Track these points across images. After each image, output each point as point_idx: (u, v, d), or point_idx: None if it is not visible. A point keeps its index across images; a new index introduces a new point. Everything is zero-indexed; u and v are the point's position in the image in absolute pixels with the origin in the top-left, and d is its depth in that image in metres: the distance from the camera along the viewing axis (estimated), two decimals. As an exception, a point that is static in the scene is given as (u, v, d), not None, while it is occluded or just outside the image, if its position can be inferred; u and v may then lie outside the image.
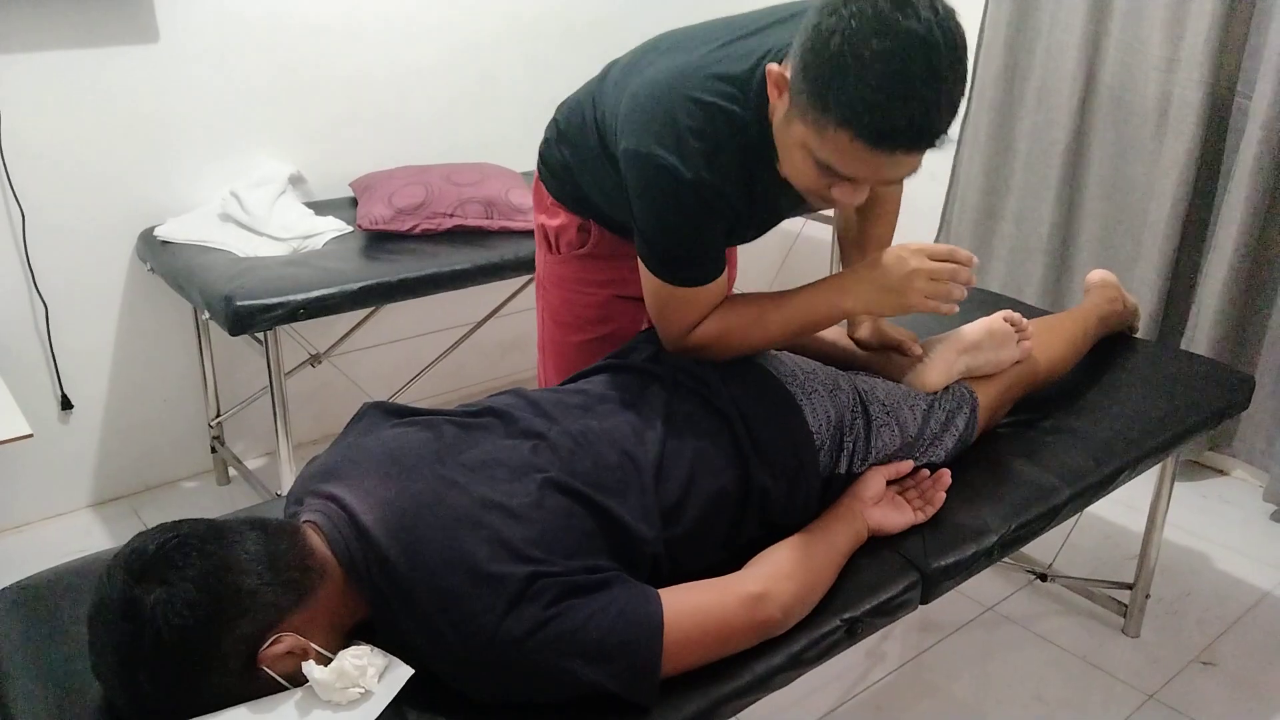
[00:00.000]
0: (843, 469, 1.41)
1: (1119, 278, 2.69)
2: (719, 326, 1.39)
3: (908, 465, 1.46)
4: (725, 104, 1.27)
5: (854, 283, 1.37)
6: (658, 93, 1.30)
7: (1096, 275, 2.02)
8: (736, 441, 1.31)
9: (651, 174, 1.28)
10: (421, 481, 1.13)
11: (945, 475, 1.46)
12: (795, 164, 1.22)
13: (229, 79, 2.44)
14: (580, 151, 1.51)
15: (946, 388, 1.56)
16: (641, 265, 1.38)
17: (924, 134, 1.12)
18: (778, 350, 1.52)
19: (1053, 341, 1.75)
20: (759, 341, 1.41)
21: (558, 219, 1.61)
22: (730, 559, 1.28)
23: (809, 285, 1.41)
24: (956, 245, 2.98)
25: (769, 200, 1.39)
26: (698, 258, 1.34)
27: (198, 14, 2.35)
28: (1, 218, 2.23)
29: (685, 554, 1.25)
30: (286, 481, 2.22)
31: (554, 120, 1.59)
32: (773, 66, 1.21)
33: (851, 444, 1.41)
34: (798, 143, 1.18)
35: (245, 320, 1.99)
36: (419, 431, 1.23)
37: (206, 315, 2.12)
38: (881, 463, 1.44)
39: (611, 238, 1.59)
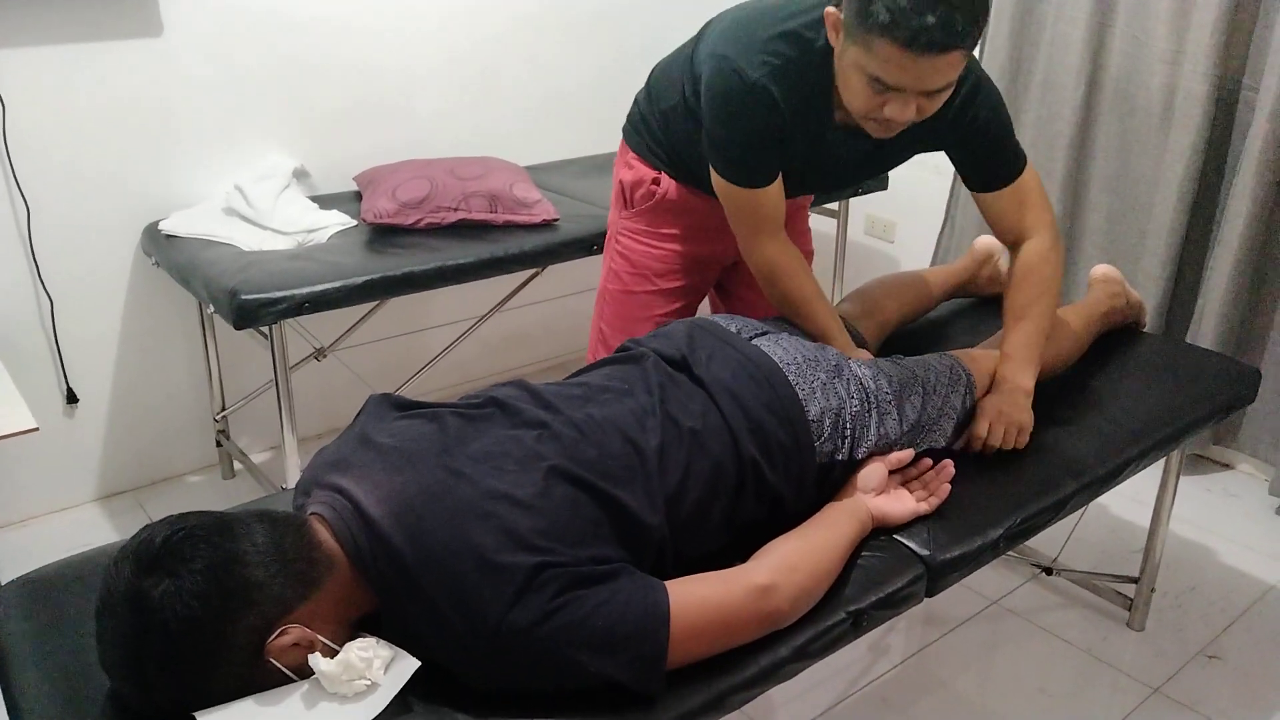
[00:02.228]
0: (843, 455, 1.41)
1: (1124, 271, 2.69)
2: (783, 256, 1.65)
3: (908, 454, 1.46)
4: (804, 32, 1.51)
5: None
6: (751, 14, 1.56)
7: (1100, 270, 2.02)
8: (725, 418, 1.32)
9: (721, 75, 1.53)
10: (428, 472, 1.13)
11: (948, 466, 1.47)
12: (852, 87, 1.43)
13: (233, 73, 2.44)
14: (664, 103, 1.75)
15: (944, 369, 1.57)
16: (713, 172, 1.63)
17: (950, 33, 1.30)
18: (790, 332, 1.58)
19: (1056, 336, 1.75)
20: (797, 297, 1.66)
21: (634, 172, 1.84)
22: (735, 543, 1.28)
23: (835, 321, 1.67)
24: (961, 240, 2.99)
25: (825, 140, 1.60)
26: (750, 161, 1.58)
27: (201, 7, 2.35)
28: (6, 212, 2.23)
29: (690, 538, 1.26)
30: (292, 475, 2.22)
31: (647, 81, 1.85)
32: (830, 9, 1.43)
33: (852, 430, 1.42)
34: (851, 65, 1.40)
35: (250, 314, 1.99)
36: (424, 423, 1.23)
37: (211, 309, 2.12)
38: (883, 450, 1.45)
39: (680, 190, 1.81)
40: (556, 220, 2.44)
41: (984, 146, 1.63)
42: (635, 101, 1.89)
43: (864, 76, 1.38)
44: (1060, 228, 2.78)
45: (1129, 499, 2.43)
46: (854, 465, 1.43)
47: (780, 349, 1.46)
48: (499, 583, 1.05)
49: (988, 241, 2.08)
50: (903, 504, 1.40)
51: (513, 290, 2.62)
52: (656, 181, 1.82)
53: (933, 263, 3.15)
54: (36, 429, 1.79)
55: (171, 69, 2.35)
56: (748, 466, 1.31)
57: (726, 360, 1.40)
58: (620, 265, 1.90)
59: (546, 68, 2.95)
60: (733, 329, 1.52)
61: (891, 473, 1.44)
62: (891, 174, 3.07)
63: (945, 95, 1.42)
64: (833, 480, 1.42)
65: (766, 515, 1.35)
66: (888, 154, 1.68)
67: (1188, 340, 2.58)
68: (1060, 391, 1.76)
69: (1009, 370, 1.62)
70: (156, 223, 2.36)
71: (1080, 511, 1.74)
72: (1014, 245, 1.71)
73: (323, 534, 1.11)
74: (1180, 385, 1.81)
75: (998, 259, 2.09)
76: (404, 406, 1.29)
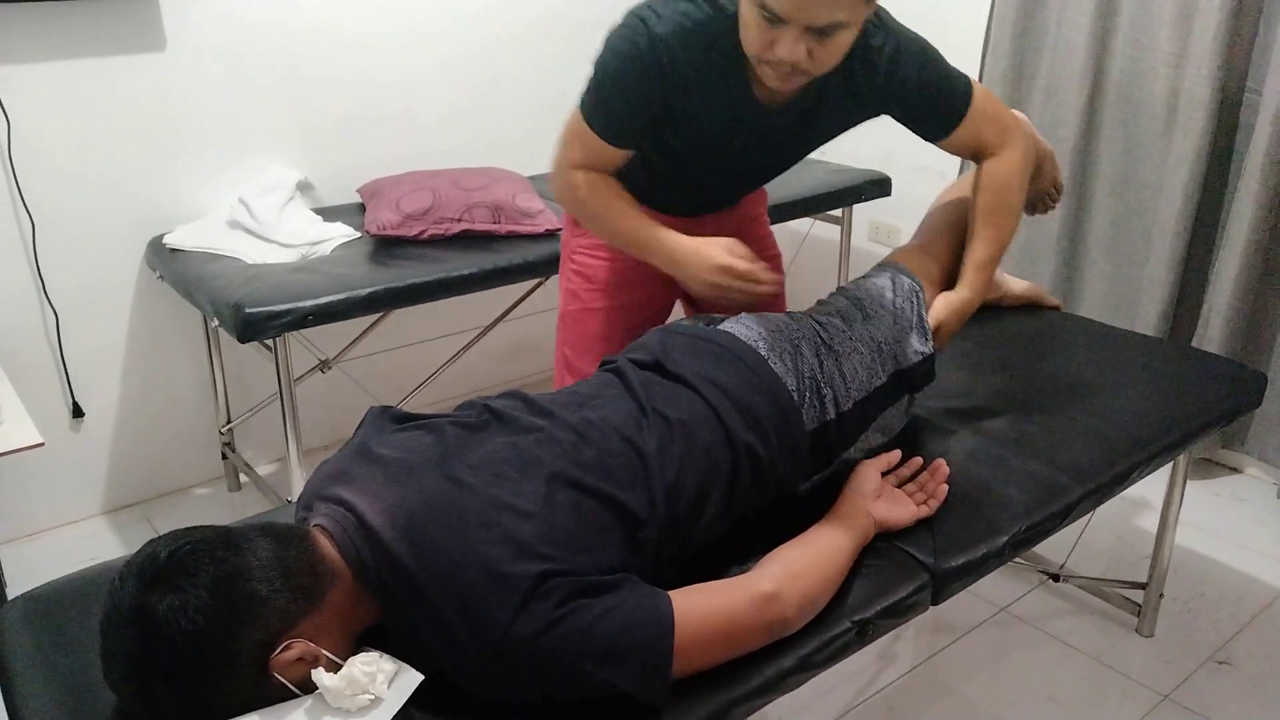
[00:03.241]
0: (832, 414, 1.42)
1: (1129, 275, 2.69)
2: (588, 182, 1.59)
3: (896, 454, 1.46)
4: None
5: (675, 247, 1.56)
6: None
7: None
8: (710, 405, 1.32)
9: (629, 25, 1.47)
10: (430, 482, 1.13)
11: (942, 465, 1.46)
12: (746, 24, 1.40)
13: (236, 86, 2.45)
14: None
15: (885, 286, 1.61)
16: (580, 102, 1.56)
17: None
18: (747, 315, 1.55)
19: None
20: (603, 228, 1.65)
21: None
22: (738, 536, 1.29)
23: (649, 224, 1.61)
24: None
25: (743, 115, 1.54)
26: (614, 110, 1.52)
27: (204, 21, 2.36)
28: (11, 227, 2.24)
29: (689, 530, 1.26)
30: (297, 487, 2.22)
31: None
32: None
33: (829, 387, 1.43)
34: (746, 5, 1.37)
35: (254, 327, 2.00)
36: (423, 434, 1.23)
37: (216, 323, 2.12)
38: (867, 397, 1.47)
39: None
40: (559, 230, 2.44)
41: (921, 103, 1.58)
42: None
43: (754, 8, 1.34)
44: (1065, 232, 2.78)
45: (1136, 504, 2.42)
46: (844, 420, 1.44)
47: (743, 327, 1.47)
48: (504, 591, 1.05)
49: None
50: (903, 508, 1.39)
51: (516, 300, 2.62)
52: None
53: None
54: (42, 444, 1.80)
55: (175, 82, 2.36)
56: (740, 449, 1.31)
57: (699, 351, 1.41)
58: (578, 284, 1.83)
59: (549, 76, 2.96)
60: (700, 324, 1.53)
61: (886, 474, 1.44)
62: (895, 179, 3.07)
63: (839, 42, 1.37)
64: (828, 444, 1.43)
65: (767, 502, 1.35)
66: (817, 130, 1.61)
67: (1194, 344, 2.57)
68: (1064, 396, 1.76)
69: (975, 278, 1.62)
70: (161, 236, 2.37)
71: (1087, 517, 1.73)
72: (974, 157, 1.67)
73: (326, 546, 1.10)
74: (1186, 389, 1.80)
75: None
76: (403, 419, 1.29)
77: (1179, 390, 1.80)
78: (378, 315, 2.44)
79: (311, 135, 2.60)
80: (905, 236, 3.33)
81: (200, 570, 1.00)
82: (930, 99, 1.58)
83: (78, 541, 2.44)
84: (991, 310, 2.11)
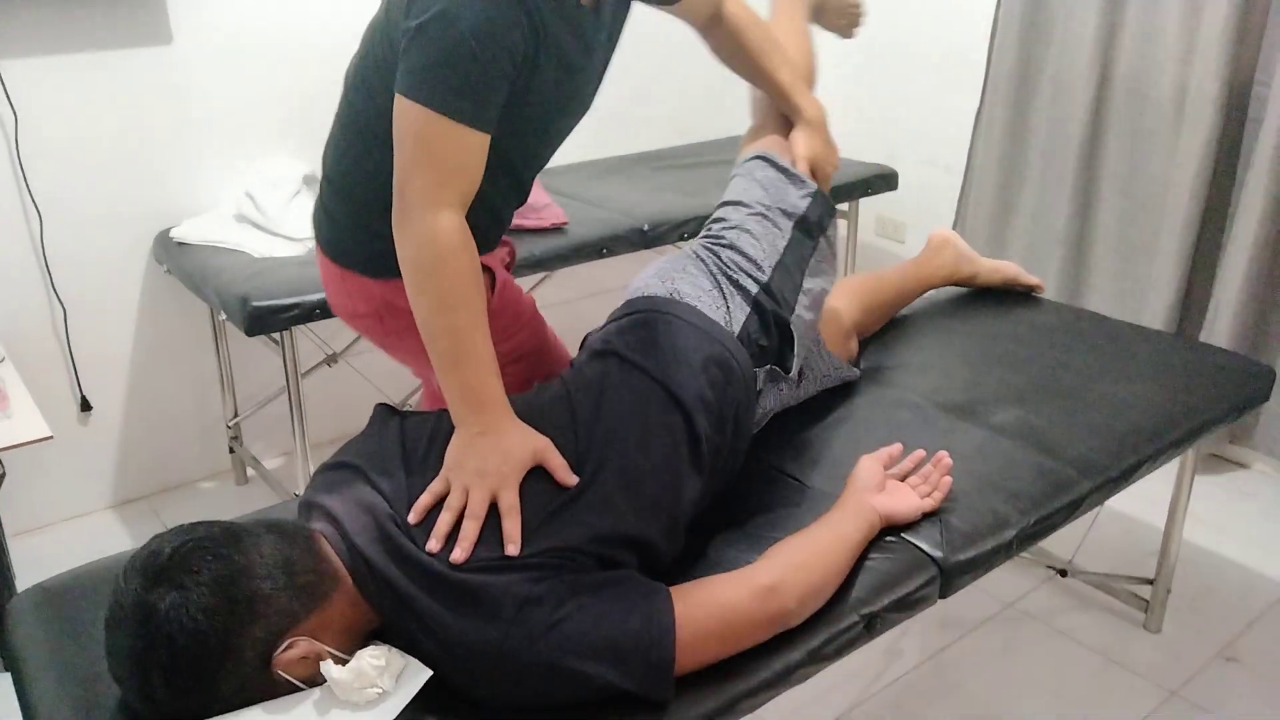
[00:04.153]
0: (754, 288, 1.50)
1: (1138, 270, 2.68)
2: (461, 233, 1.22)
3: (898, 448, 1.46)
4: None
5: (504, 415, 1.24)
6: None
7: (939, 236, 2.11)
8: (650, 377, 1.33)
9: None
10: (412, 496, 1.15)
11: (945, 457, 1.46)
12: None
13: (242, 80, 2.45)
14: (362, 162, 1.40)
15: (746, 171, 1.67)
16: (398, 107, 1.22)
17: None
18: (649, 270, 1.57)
19: (883, 294, 1.97)
20: (461, 292, 1.22)
21: (370, 298, 1.48)
22: (740, 525, 1.33)
23: None
24: (973, 238, 2.98)
25: (584, 26, 1.34)
26: (480, 87, 1.20)
27: (210, 15, 2.36)
28: (19, 221, 2.25)
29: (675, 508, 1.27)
30: (303, 481, 2.23)
31: (323, 178, 1.50)
32: None
33: (739, 270, 1.52)
34: None
35: (262, 321, 2.00)
36: (417, 425, 1.25)
37: (223, 316, 2.13)
38: (780, 258, 1.54)
39: None
40: (565, 225, 2.44)
41: None
42: (323, 209, 1.50)
43: None
44: (1072, 227, 2.77)
45: (1144, 499, 2.41)
46: (775, 285, 1.52)
47: (648, 279, 1.53)
48: (497, 598, 1.05)
49: (940, 231, 2.12)
50: (908, 501, 1.38)
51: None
52: (484, 268, 1.45)
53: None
54: (51, 437, 1.80)
55: (182, 76, 2.36)
56: (688, 403, 1.32)
57: (624, 329, 1.43)
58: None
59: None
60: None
61: (889, 470, 1.44)
62: (901, 173, 3.06)
63: None
64: (771, 313, 1.49)
65: (747, 416, 1.42)
66: (615, 22, 1.44)
67: (1201, 339, 2.56)
68: (1070, 390, 1.75)
69: (802, 98, 1.66)
70: (168, 230, 2.37)
71: (1095, 512, 1.73)
72: (713, 16, 1.62)
73: (327, 548, 1.11)
74: (1194, 384, 1.80)
75: (955, 243, 2.10)
76: (406, 417, 1.29)
77: (1187, 385, 1.80)
78: (384, 309, 2.44)
79: (319, 128, 2.58)
80: (912, 231, 3.34)
81: (203, 567, 1.00)
82: None
83: (85, 534, 2.44)
84: (995, 302, 2.10)
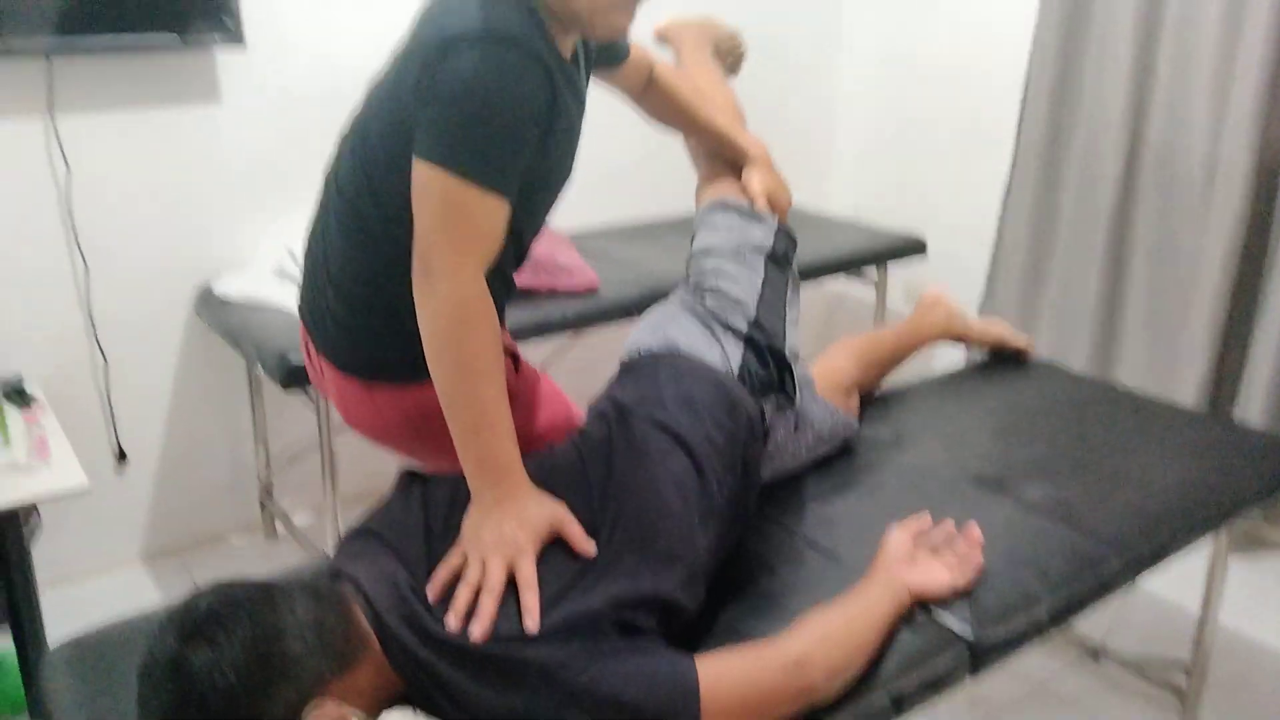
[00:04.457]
0: (744, 327, 1.56)
1: (1167, 343, 2.66)
2: (486, 299, 1.21)
3: (926, 519, 1.45)
4: None
5: (520, 481, 1.24)
6: (444, 4, 1.22)
7: (930, 294, 2.15)
8: (656, 425, 1.35)
9: (474, 52, 1.16)
10: (433, 559, 1.17)
11: (975, 531, 1.44)
12: None
13: (288, 140, 2.51)
14: (385, 252, 1.34)
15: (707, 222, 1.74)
16: (420, 172, 1.20)
17: None
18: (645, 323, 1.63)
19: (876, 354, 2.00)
20: (485, 357, 1.21)
21: (401, 406, 1.44)
22: (766, 595, 1.33)
23: None
24: (1003, 310, 2.98)
25: (575, 83, 1.35)
26: (506, 153, 1.20)
27: (259, 76, 2.43)
28: (67, 272, 2.31)
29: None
30: (333, 538, 2.24)
31: (329, 292, 1.42)
32: None
33: (726, 313, 1.58)
34: None
35: (298, 375, 2.03)
36: (439, 491, 1.27)
37: (260, 370, 2.16)
38: (761, 295, 1.60)
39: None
40: (597, 287, 2.47)
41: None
42: (335, 326, 1.43)
43: None
44: (1102, 299, 2.77)
45: (1178, 579, 2.37)
46: (764, 321, 1.59)
47: (645, 335, 1.58)
48: (521, 668, 1.06)
49: (932, 290, 2.17)
50: (939, 577, 1.37)
51: (553, 354, 2.65)
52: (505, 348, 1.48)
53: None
54: (88, 489, 1.83)
55: (229, 134, 2.43)
56: (695, 447, 1.34)
57: (636, 380, 1.47)
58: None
59: (590, 135, 3.01)
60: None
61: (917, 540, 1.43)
62: (930, 240, 3.08)
63: None
64: (765, 347, 1.55)
65: (757, 456, 1.45)
66: (586, 77, 1.46)
67: (1235, 415, 2.54)
68: (1100, 465, 1.74)
69: (744, 140, 1.74)
70: (210, 285, 2.42)
71: (1126, 591, 1.70)
72: (647, 80, 1.67)
73: (358, 612, 1.12)
74: (1228, 463, 1.78)
75: (945, 302, 2.14)
76: (428, 483, 1.32)
77: (1220, 464, 1.78)
78: (417, 367, 2.47)
79: (358, 190, 2.65)
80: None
81: (237, 626, 1.01)
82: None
83: (116, 587, 2.46)
84: (1024, 373, 2.10)
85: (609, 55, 1.57)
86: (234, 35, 2.28)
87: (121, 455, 2.47)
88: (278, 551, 2.63)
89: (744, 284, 1.63)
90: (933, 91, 3.23)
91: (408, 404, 1.43)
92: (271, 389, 2.54)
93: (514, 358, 1.55)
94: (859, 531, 1.54)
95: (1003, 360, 2.18)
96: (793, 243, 1.73)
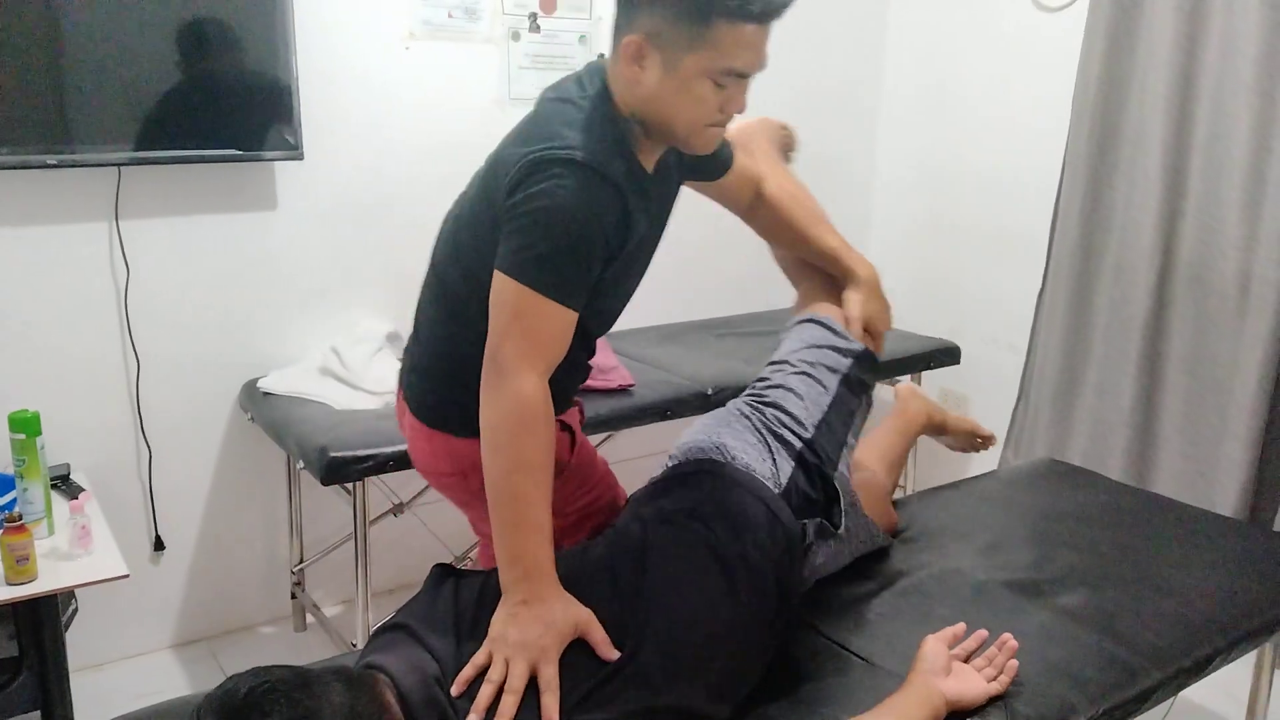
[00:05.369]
0: (798, 444, 1.55)
1: (1204, 453, 2.64)
2: (546, 403, 1.30)
3: (961, 628, 1.44)
4: (578, 100, 1.37)
5: (550, 584, 1.28)
6: (533, 126, 1.37)
7: (904, 389, 2.16)
8: (693, 537, 1.37)
9: (555, 168, 1.28)
10: (460, 662, 1.19)
11: (1010, 640, 1.44)
12: (693, 95, 1.32)
13: (338, 245, 2.61)
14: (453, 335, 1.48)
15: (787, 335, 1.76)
16: (497, 281, 1.32)
17: None
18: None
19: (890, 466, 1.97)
20: (538, 462, 1.29)
21: (452, 451, 1.53)
22: (805, 702, 1.32)
23: None
24: (1037, 415, 2.97)
25: (651, 194, 1.43)
26: (577, 272, 1.32)
27: (313, 186, 2.54)
28: (119, 366, 2.38)
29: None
30: (362, 630, 2.24)
31: (415, 342, 1.58)
32: (629, 39, 1.31)
33: (783, 426, 1.56)
34: (692, 74, 1.30)
35: (338, 470, 2.07)
36: (469, 587, 1.30)
37: (301, 464, 2.20)
38: (825, 415, 1.58)
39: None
40: (632, 386, 2.51)
41: None
42: (414, 371, 1.58)
43: (709, 79, 1.30)
44: (1138, 407, 2.76)
45: (1221, 691, 2.30)
46: (820, 441, 1.56)
47: (698, 434, 1.58)
48: None
49: (905, 385, 2.20)
50: (975, 685, 1.36)
51: (587, 454, 2.67)
52: (566, 427, 1.59)
53: (1006, 440, 3.13)
54: (127, 576, 1.86)
55: (281, 239, 2.53)
56: (731, 558, 1.34)
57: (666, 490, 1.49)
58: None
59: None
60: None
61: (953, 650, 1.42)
62: (965, 348, 3.10)
63: None
64: (814, 466, 1.54)
65: (796, 581, 1.44)
66: (675, 184, 1.55)
67: (1276, 525, 2.49)
68: (1141, 576, 1.72)
69: (853, 260, 1.74)
70: (255, 380, 2.49)
71: (1168, 705, 1.66)
72: (756, 196, 1.70)
73: (390, 700, 1.13)
74: (1269, 574, 1.75)
75: (920, 394, 2.17)
76: (460, 578, 1.34)
77: (1261, 575, 1.75)
78: (452, 463, 2.51)
79: (403, 291, 2.72)
80: (974, 405, 3.34)
81: (274, 710, 1.03)
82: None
83: (145, 674, 2.46)
84: (1060, 480, 2.09)
85: (710, 168, 1.63)
86: (294, 151, 2.40)
87: (159, 544, 2.50)
88: (306, 642, 2.62)
89: (808, 403, 1.61)
90: (967, 200, 3.29)
91: (462, 456, 1.51)
92: (309, 482, 2.58)
93: (571, 435, 1.61)
94: (894, 637, 1.52)
95: (1041, 467, 2.17)
96: (876, 370, 1.70)
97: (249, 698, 1.04)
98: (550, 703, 1.14)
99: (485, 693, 1.15)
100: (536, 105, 1.42)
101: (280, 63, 2.33)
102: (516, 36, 2.76)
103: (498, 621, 1.22)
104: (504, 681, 1.16)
